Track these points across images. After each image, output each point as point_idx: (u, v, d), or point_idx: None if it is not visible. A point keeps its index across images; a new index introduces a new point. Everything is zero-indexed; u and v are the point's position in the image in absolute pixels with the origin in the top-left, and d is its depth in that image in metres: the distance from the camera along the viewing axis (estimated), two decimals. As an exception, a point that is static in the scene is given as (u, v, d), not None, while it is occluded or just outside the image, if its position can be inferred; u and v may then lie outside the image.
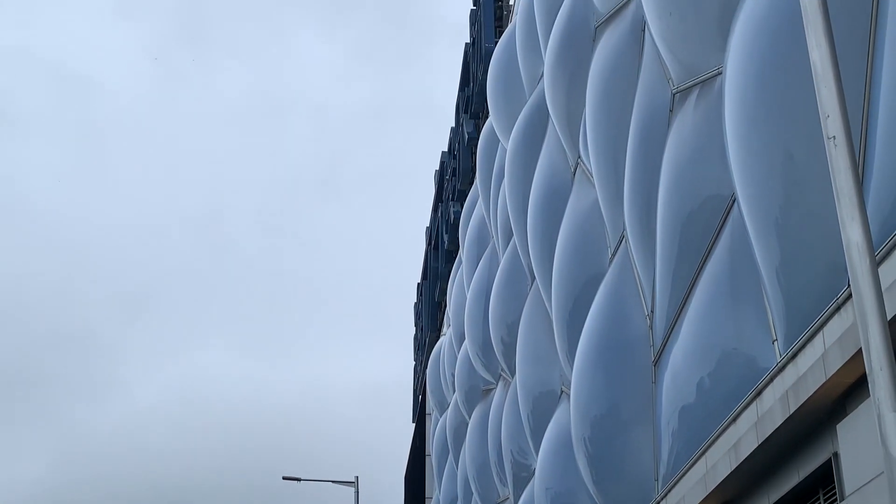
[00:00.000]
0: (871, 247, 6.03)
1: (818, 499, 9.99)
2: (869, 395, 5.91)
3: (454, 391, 32.86)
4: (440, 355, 37.59)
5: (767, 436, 9.88)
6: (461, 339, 31.50)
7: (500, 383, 26.72)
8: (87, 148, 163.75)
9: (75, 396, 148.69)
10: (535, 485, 20.73)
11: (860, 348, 6.22)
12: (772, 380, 10.03)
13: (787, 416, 9.45)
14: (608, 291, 16.47)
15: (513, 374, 24.12)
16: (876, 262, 6.05)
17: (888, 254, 7.97)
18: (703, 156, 12.70)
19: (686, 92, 13.64)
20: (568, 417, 17.96)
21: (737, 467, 10.65)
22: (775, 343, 10.77)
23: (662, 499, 13.25)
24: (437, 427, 37.49)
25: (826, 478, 9.65)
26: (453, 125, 45.98)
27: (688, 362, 12.93)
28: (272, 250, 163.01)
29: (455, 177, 43.08)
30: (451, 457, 34.45)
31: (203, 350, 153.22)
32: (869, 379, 5.80)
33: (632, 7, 16.45)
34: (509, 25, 28.78)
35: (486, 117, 30.03)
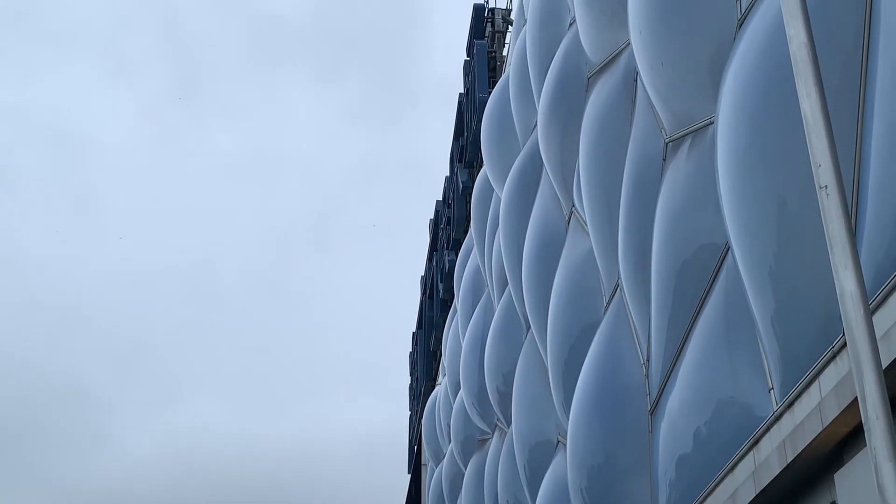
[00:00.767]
0: (864, 295, 6.03)
1: (817, 549, 9.89)
2: (866, 445, 5.88)
3: (450, 441, 32.64)
4: (436, 405, 37.39)
5: (765, 485, 9.81)
6: (457, 388, 31.35)
7: (497, 433, 26.56)
8: (82, 204, 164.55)
9: (66, 451, 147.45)
10: (532, 536, 20.53)
11: (856, 397, 6.19)
12: (769, 429, 9.97)
13: (785, 465, 9.38)
14: (603, 340, 16.43)
15: (509, 423, 23.98)
16: (870, 311, 6.05)
17: (882, 301, 7.96)
18: (697, 204, 12.74)
19: (679, 141, 13.71)
20: (564, 467, 17.82)
21: (735, 518, 10.56)
22: (771, 392, 10.73)
23: (660, 550, 13.12)
24: (433, 478, 37.19)
25: (825, 528, 9.56)
26: (447, 174, 46.18)
27: (684, 411, 12.87)
28: (264, 304, 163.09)
29: (450, 226, 43.17)
30: (447, 508, 34.14)
31: (196, 403, 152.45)
32: (865, 428, 5.77)
33: (624, 57, 16.58)
34: (503, 76, 29.02)
35: (481, 166, 30.17)
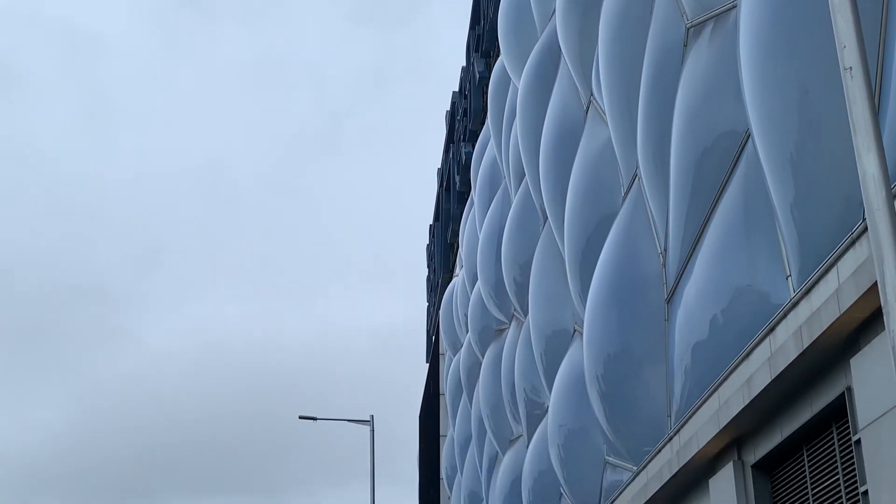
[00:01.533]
0: (887, 178, 5.96)
1: (831, 433, 10.01)
2: (883, 329, 5.89)
3: (467, 331, 32.98)
4: (453, 296, 37.69)
5: (780, 371, 9.87)
6: (474, 279, 31.53)
7: (513, 323, 26.80)
8: (93, 104, 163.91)
9: (90, 346, 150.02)
10: (549, 422, 20.87)
11: (875, 282, 6.18)
12: (785, 315, 10.00)
13: (801, 351, 9.43)
14: (621, 230, 16.42)
15: (525, 313, 24.17)
16: (892, 194, 5.99)
17: (904, 187, 7.89)
18: (718, 92, 12.56)
19: (700, 26, 13.46)
20: (581, 356, 18.01)
21: (749, 403, 10.66)
22: (789, 279, 10.73)
23: (675, 435, 13.30)
24: (451, 367, 37.71)
25: (839, 412, 9.66)
26: (463, 65, 45.61)
27: (701, 300, 12.91)
28: (279, 203, 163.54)
29: (466, 117, 42.81)
30: (464, 396, 34.68)
31: (215, 299, 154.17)
32: (884, 311, 5.76)
33: (645, -59, 16.17)
34: (520, -38, 28.35)
35: (498, 56, 29.76)
